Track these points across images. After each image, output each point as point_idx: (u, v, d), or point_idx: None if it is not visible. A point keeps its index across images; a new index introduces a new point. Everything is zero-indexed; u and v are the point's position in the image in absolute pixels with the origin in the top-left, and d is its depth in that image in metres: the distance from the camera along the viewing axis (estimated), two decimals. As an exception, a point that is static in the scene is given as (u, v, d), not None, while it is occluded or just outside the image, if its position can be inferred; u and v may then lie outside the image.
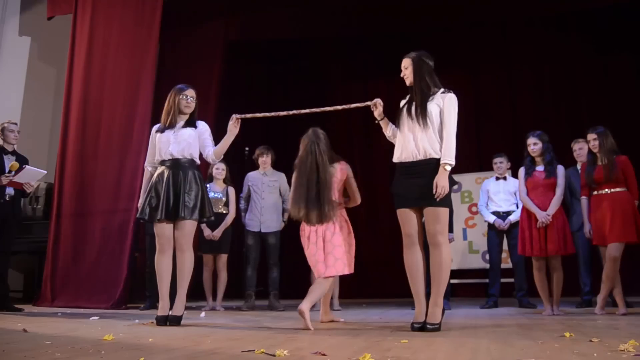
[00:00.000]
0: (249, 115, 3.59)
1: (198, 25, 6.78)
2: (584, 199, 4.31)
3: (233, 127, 3.56)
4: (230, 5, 6.80)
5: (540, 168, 4.29)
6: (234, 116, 3.54)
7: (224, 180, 5.29)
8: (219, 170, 5.22)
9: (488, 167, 5.46)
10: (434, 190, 2.92)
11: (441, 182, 2.92)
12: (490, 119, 7.65)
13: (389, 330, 3.02)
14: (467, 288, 7.02)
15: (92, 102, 5.84)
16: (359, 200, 3.75)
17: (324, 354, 2.04)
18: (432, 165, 2.99)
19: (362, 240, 7.71)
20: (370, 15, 6.86)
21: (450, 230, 4.75)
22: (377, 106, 3.36)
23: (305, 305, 3.17)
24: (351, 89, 8.40)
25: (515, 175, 5.07)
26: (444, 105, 3.04)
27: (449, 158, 2.96)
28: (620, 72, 7.09)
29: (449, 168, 2.96)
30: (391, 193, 3.17)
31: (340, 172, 3.65)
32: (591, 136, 4.27)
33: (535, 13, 6.88)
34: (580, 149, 4.94)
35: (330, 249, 3.46)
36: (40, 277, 5.68)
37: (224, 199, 5.24)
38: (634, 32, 6.75)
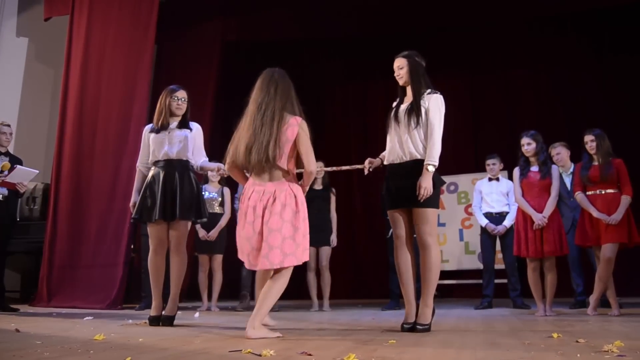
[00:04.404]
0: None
1: (195, 26, 6.80)
2: (579, 194, 4.29)
3: (217, 169, 3.62)
4: (228, 5, 6.81)
5: (534, 168, 4.30)
6: (223, 170, 3.49)
7: (219, 181, 5.31)
8: (213, 173, 5.23)
9: (485, 168, 5.49)
10: (417, 192, 2.94)
11: (424, 184, 2.93)
12: (488, 120, 7.66)
13: (379, 331, 3.04)
14: (463, 289, 7.02)
15: (89, 103, 5.86)
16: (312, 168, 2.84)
17: (309, 354, 2.05)
18: (417, 166, 2.99)
19: (359, 241, 7.82)
20: (368, 16, 6.86)
21: None
22: (366, 166, 3.27)
23: (252, 332, 2.61)
24: (350, 90, 8.43)
25: (510, 176, 5.08)
26: (429, 106, 3.04)
27: (431, 159, 2.96)
28: (619, 74, 7.08)
29: (432, 169, 2.95)
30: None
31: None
32: (588, 137, 4.29)
33: (533, 14, 6.88)
34: (557, 154, 4.99)
35: (266, 234, 2.69)
36: (37, 277, 5.70)
37: (219, 198, 5.27)
38: (633, 33, 6.76)
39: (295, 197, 2.77)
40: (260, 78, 2.90)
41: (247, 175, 2.92)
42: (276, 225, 2.69)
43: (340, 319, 4.06)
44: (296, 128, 2.76)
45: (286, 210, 2.71)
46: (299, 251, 2.73)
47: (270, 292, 2.72)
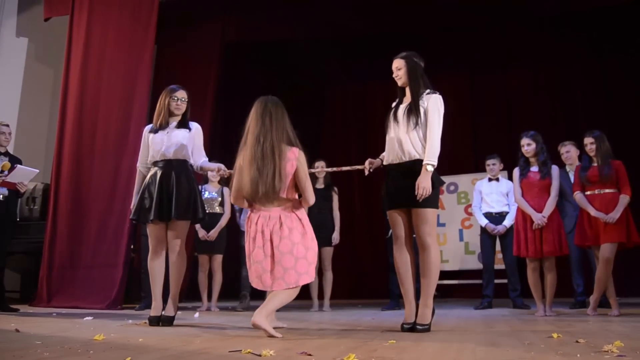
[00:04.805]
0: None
1: (195, 26, 6.79)
2: (578, 194, 4.29)
3: (217, 170, 3.64)
4: (228, 5, 6.81)
5: (534, 169, 4.30)
6: (224, 170, 3.61)
7: (219, 181, 5.31)
8: (213, 173, 5.23)
9: (485, 168, 5.50)
10: (416, 192, 2.93)
11: (422, 184, 2.92)
12: (488, 120, 7.66)
13: (379, 331, 3.04)
14: (463, 289, 7.02)
15: (89, 103, 5.87)
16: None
17: (309, 354, 2.05)
18: (416, 166, 2.99)
19: (359, 241, 7.82)
20: (369, 16, 6.86)
21: None
22: (367, 166, 3.31)
23: (258, 317, 2.72)
24: (350, 90, 8.43)
25: (510, 176, 5.09)
26: (428, 106, 3.05)
27: (430, 159, 2.96)
28: (617, 74, 7.09)
29: (430, 169, 2.95)
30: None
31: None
32: (588, 140, 4.29)
33: (532, 14, 6.89)
34: (567, 152, 5.00)
35: (278, 257, 2.85)
36: (37, 277, 5.70)
37: (219, 198, 5.27)
38: (631, 33, 6.76)
39: (300, 220, 2.94)
40: (254, 108, 2.98)
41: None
42: (287, 248, 2.86)
43: (340, 319, 4.06)
44: (295, 162, 2.90)
45: (293, 233, 2.88)
46: (312, 269, 2.92)
47: (280, 293, 2.85)
